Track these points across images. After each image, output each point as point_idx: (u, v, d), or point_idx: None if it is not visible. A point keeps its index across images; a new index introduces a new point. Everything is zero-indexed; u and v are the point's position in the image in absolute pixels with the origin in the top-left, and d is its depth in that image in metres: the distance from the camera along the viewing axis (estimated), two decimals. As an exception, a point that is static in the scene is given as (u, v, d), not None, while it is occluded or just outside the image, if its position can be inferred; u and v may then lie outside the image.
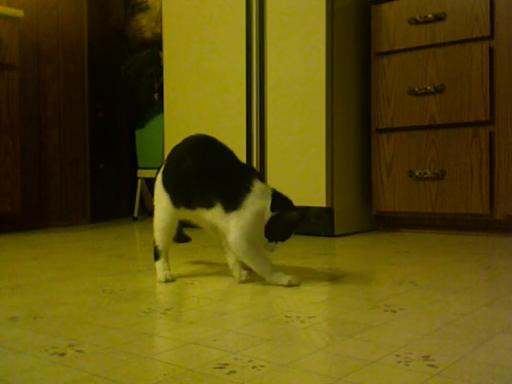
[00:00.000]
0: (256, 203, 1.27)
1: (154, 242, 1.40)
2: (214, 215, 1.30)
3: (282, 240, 1.30)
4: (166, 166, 1.39)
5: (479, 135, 2.20)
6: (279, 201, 1.29)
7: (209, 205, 1.30)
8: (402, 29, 2.37)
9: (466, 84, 2.22)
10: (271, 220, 1.27)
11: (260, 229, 1.28)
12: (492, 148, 2.19)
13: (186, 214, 1.38)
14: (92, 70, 3.14)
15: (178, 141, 1.41)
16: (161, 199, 1.38)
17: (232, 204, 1.27)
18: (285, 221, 1.27)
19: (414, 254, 1.78)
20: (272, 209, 1.27)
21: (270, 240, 1.29)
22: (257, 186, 1.29)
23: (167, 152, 1.42)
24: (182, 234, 1.57)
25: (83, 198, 3.05)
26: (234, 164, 1.35)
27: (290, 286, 1.30)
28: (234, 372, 0.74)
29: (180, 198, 1.35)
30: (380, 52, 2.44)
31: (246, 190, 1.27)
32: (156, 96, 3.27)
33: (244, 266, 1.37)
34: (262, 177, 1.35)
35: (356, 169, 2.48)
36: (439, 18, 2.27)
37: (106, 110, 3.44)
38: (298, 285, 1.31)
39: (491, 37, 2.18)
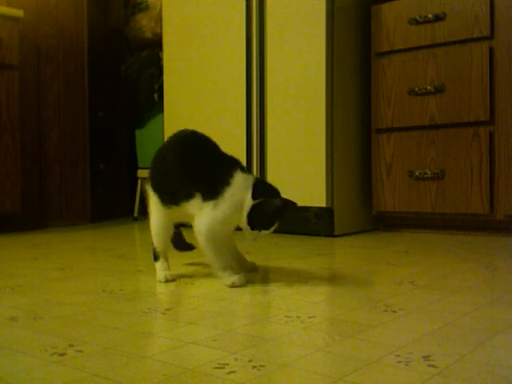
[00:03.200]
0: (236, 195, 1.27)
1: (152, 243, 1.40)
2: (192, 206, 1.30)
3: (266, 228, 1.28)
4: (151, 167, 1.39)
5: (479, 135, 2.20)
6: (261, 189, 1.28)
7: (189, 197, 1.30)
8: (402, 29, 2.37)
9: (466, 84, 2.22)
10: (253, 208, 1.26)
11: (236, 220, 1.28)
12: (492, 148, 2.19)
13: (176, 213, 1.36)
14: (92, 69, 3.14)
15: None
16: (152, 201, 1.38)
17: (210, 194, 1.27)
18: (267, 208, 1.26)
19: (414, 254, 1.78)
20: (254, 197, 1.26)
21: (253, 228, 1.28)
22: (238, 177, 1.28)
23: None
24: (183, 241, 1.56)
25: (83, 197, 3.05)
26: (215, 156, 1.34)
27: (233, 286, 1.29)
28: (233, 372, 0.73)
29: (167, 195, 1.34)
30: (380, 52, 2.44)
31: (225, 182, 1.27)
32: (156, 96, 3.27)
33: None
34: (244, 168, 1.33)
35: (356, 169, 2.48)
36: (439, 17, 2.27)
37: (106, 109, 3.44)
38: (241, 286, 1.29)
39: (491, 37, 2.18)
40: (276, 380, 0.71)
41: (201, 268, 1.58)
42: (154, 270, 1.40)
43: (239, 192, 1.27)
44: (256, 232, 1.28)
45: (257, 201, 1.26)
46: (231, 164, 1.31)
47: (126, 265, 1.64)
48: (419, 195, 2.33)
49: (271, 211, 1.27)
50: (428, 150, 2.31)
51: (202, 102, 2.63)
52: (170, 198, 1.34)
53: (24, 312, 1.08)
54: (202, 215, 1.28)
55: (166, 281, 1.37)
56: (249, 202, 1.26)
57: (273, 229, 1.30)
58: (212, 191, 1.27)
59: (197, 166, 1.31)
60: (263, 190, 1.29)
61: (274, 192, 1.31)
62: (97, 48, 3.28)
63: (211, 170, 1.30)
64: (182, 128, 1.41)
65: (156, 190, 1.36)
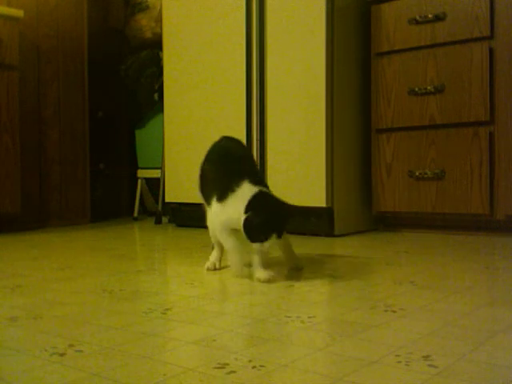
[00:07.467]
0: (234, 204, 1.34)
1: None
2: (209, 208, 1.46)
3: (260, 240, 1.31)
4: (200, 170, 1.53)
5: (479, 135, 2.20)
6: (254, 203, 1.31)
7: (209, 201, 1.45)
8: (402, 29, 2.37)
9: (466, 84, 2.22)
10: (243, 222, 1.31)
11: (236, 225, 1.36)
12: (492, 148, 2.19)
13: None
14: (92, 70, 3.14)
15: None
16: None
17: (219, 199, 1.39)
18: (247, 223, 1.30)
19: (414, 254, 1.78)
20: (245, 211, 1.31)
21: (251, 241, 1.32)
22: (243, 187, 1.34)
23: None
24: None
25: (83, 198, 3.05)
26: (236, 166, 1.43)
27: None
28: (233, 372, 0.73)
29: (205, 196, 1.49)
30: (380, 52, 2.44)
31: (231, 190, 1.35)
32: (156, 96, 3.26)
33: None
34: (257, 180, 1.38)
35: (356, 169, 2.47)
36: (439, 18, 2.27)
37: (106, 109, 3.44)
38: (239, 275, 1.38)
39: (491, 37, 2.18)
40: (276, 380, 0.71)
41: (201, 268, 1.58)
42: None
43: (237, 202, 1.33)
44: (258, 244, 1.31)
45: (246, 215, 1.30)
46: (244, 175, 1.37)
47: (126, 265, 1.64)
48: (419, 195, 2.33)
49: (252, 226, 1.30)
50: (428, 149, 2.31)
51: (201, 101, 2.63)
52: (207, 198, 1.50)
53: (24, 312, 1.08)
54: (211, 211, 1.45)
55: (214, 269, 1.51)
56: (242, 215, 1.31)
57: (270, 240, 1.31)
58: (221, 197, 1.38)
59: (220, 174, 1.44)
60: (255, 203, 1.31)
61: (263, 206, 1.32)
62: (97, 48, 3.28)
63: (226, 179, 1.40)
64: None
65: (202, 191, 1.53)
